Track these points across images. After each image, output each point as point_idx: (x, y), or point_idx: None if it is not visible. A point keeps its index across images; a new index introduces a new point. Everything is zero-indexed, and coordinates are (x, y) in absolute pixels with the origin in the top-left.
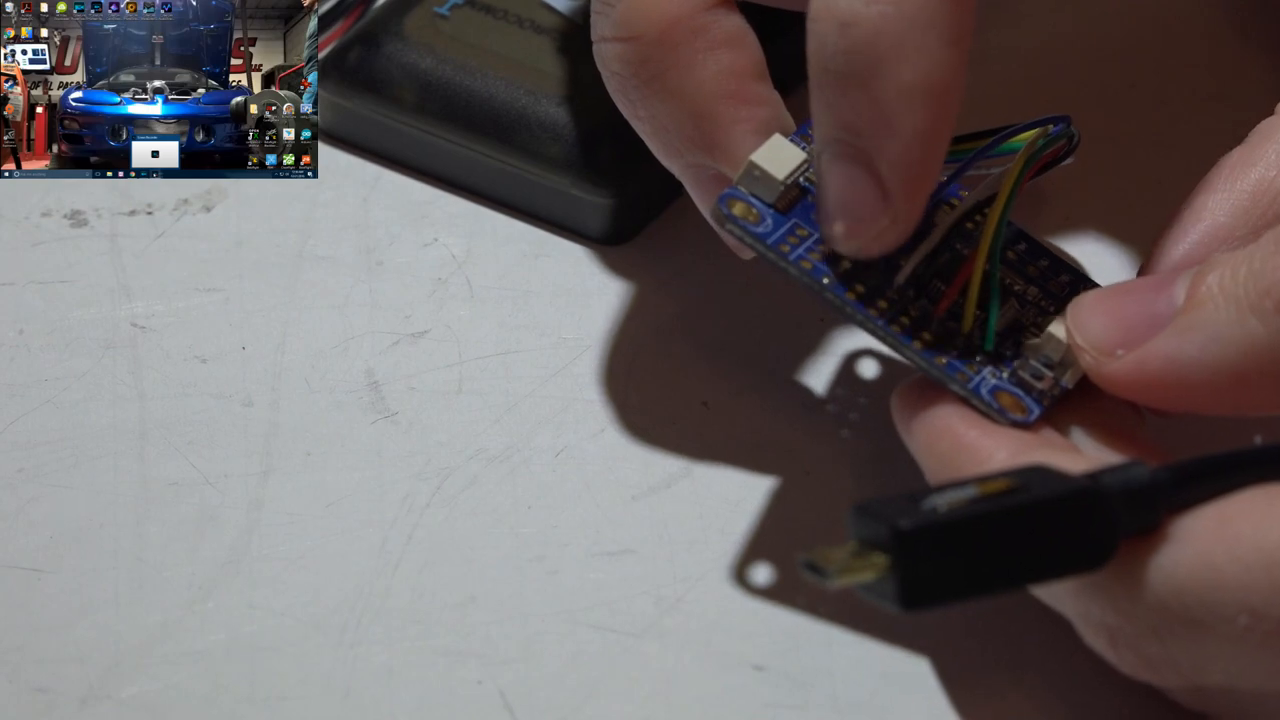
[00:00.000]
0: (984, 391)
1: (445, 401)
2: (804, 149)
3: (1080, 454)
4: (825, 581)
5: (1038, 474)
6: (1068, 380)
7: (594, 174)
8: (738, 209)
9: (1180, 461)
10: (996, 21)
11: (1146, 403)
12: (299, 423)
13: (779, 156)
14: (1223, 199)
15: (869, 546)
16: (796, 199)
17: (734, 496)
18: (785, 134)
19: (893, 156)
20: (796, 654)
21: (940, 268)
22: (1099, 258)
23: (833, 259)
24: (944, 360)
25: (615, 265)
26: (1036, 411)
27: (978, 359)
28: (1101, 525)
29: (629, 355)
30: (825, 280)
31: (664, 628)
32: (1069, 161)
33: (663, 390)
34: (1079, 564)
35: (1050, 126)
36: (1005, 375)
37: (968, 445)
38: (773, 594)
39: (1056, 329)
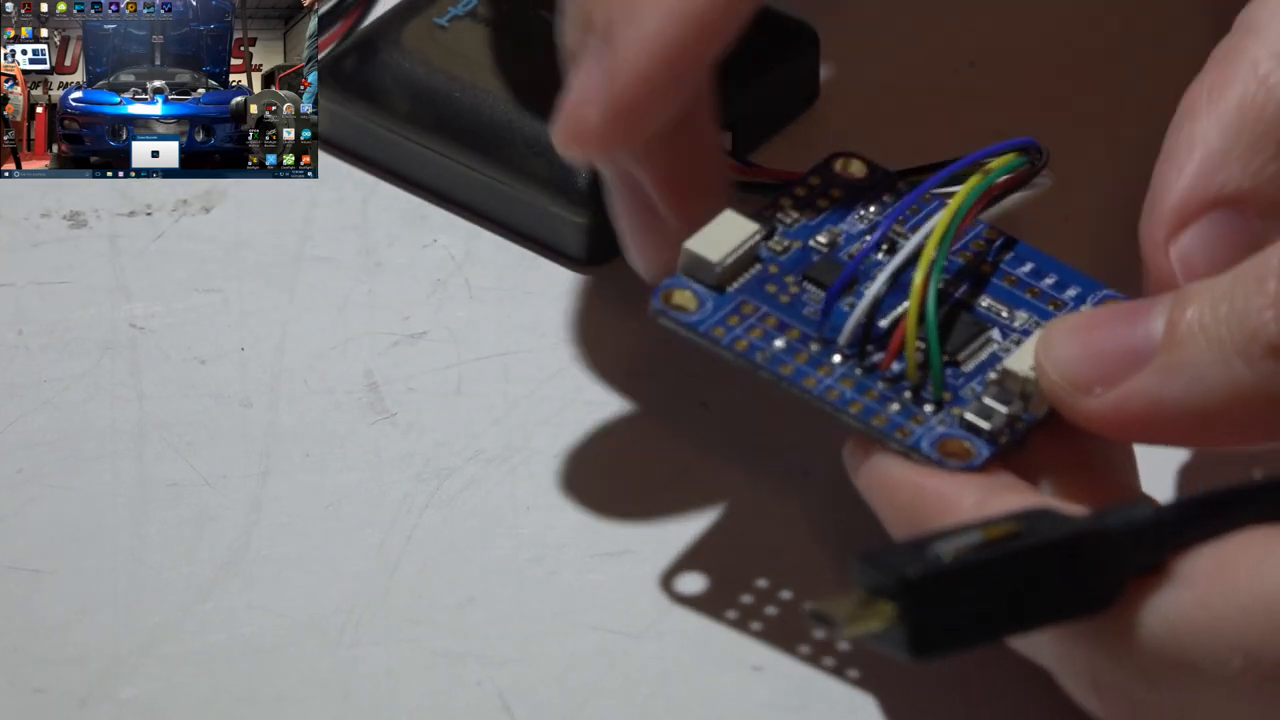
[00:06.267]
0: (924, 444)
1: (444, 402)
2: (767, 220)
3: (1042, 498)
4: (834, 632)
5: (1042, 516)
6: (1031, 413)
7: (575, 193)
8: (674, 299)
9: (1183, 499)
10: (991, 21)
11: (1123, 439)
12: (298, 424)
13: (722, 235)
14: (1210, 124)
15: (875, 595)
16: (746, 268)
17: (733, 497)
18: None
19: (622, 49)
20: (795, 654)
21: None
22: (1101, 257)
23: (777, 331)
24: (884, 418)
25: (614, 267)
26: (985, 453)
27: (927, 408)
28: (1109, 566)
29: (628, 356)
30: (759, 357)
31: (663, 628)
32: (1043, 183)
33: (662, 390)
34: (1086, 605)
35: (1013, 155)
36: (957, 420)
37: (930, 493)
38: (772, 594)
39: (1014, 363)
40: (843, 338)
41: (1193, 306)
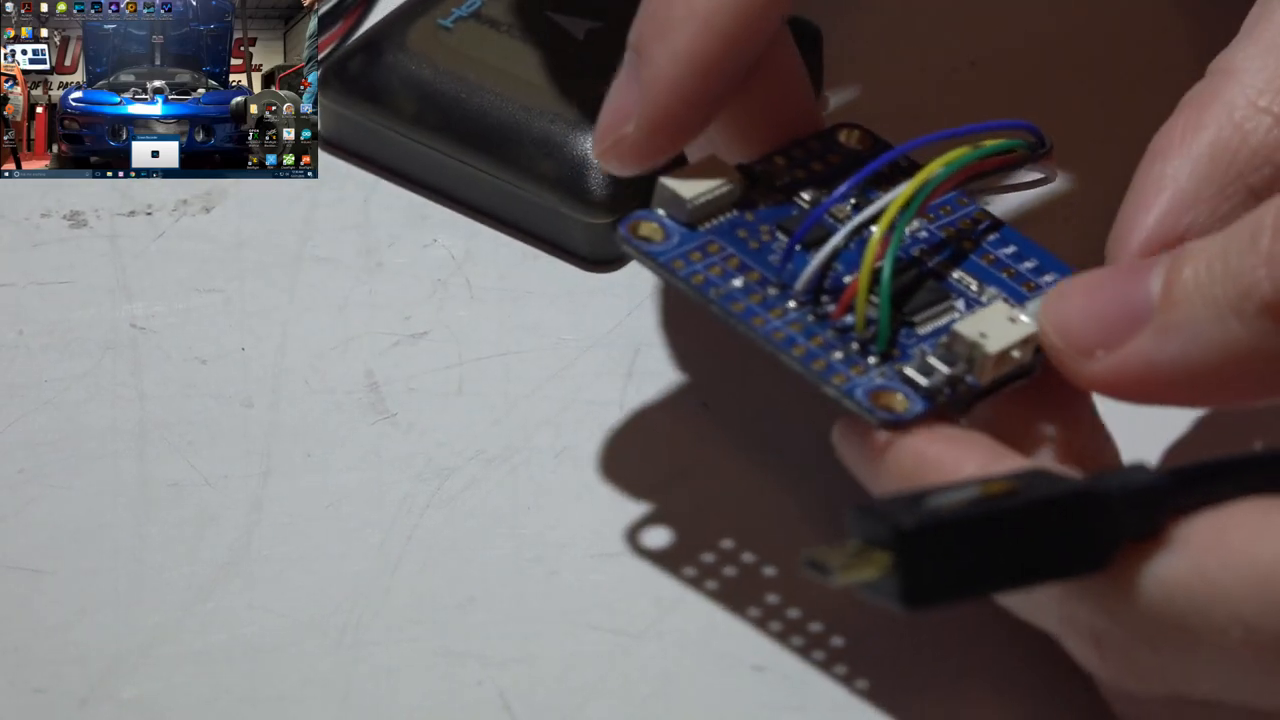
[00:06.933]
0: (858, 393)
1: (445, 402)
2: (754, 171)
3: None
4: (828, 579)
5: (1039, 477)
6: (975, 378)
7: (585, 194)
8: (642, 229)
9: (1181, 466)
10: (991, 21)
11: (1121, 399)
12: (298, 424)
13: (701, 176)
14: (1181, 164)
15: (871, 545)
16: (722, 212)
17: (733, 497)
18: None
19: (655, 65)
20: (796, 654)
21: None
22: (1101, 257)
23: (738, 271)
24: (823, 363)
25: (615, 267)
26: (918, 408)
27: (871, 360)
28: (1103, 526)
29: (628, 356)
30: (712, 293)
31: (663, 628)
32: (1045, 177)
33: (662, 391)
34: (1081, 565)
35: (1009, 136)
36: (897, 374)
37: (933, 459)
38: (773, 595)
39: (964, 326)
40: (799, 284)
41: (1189, 265)
